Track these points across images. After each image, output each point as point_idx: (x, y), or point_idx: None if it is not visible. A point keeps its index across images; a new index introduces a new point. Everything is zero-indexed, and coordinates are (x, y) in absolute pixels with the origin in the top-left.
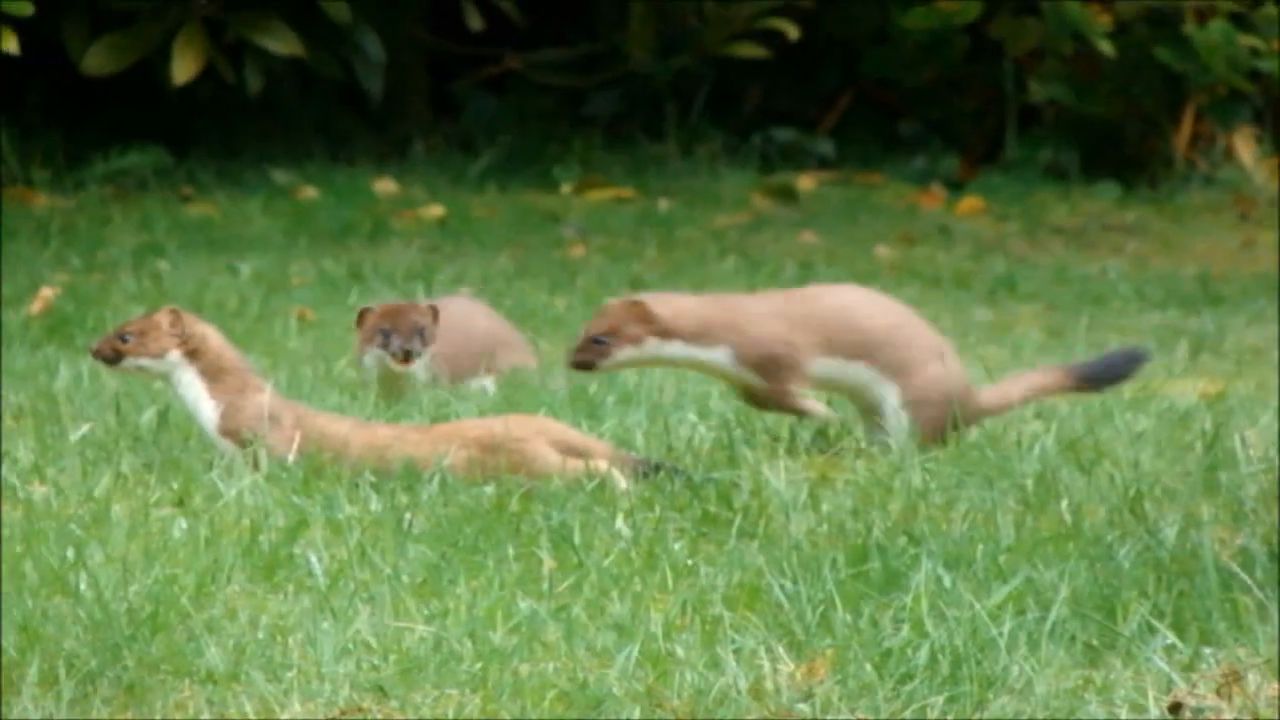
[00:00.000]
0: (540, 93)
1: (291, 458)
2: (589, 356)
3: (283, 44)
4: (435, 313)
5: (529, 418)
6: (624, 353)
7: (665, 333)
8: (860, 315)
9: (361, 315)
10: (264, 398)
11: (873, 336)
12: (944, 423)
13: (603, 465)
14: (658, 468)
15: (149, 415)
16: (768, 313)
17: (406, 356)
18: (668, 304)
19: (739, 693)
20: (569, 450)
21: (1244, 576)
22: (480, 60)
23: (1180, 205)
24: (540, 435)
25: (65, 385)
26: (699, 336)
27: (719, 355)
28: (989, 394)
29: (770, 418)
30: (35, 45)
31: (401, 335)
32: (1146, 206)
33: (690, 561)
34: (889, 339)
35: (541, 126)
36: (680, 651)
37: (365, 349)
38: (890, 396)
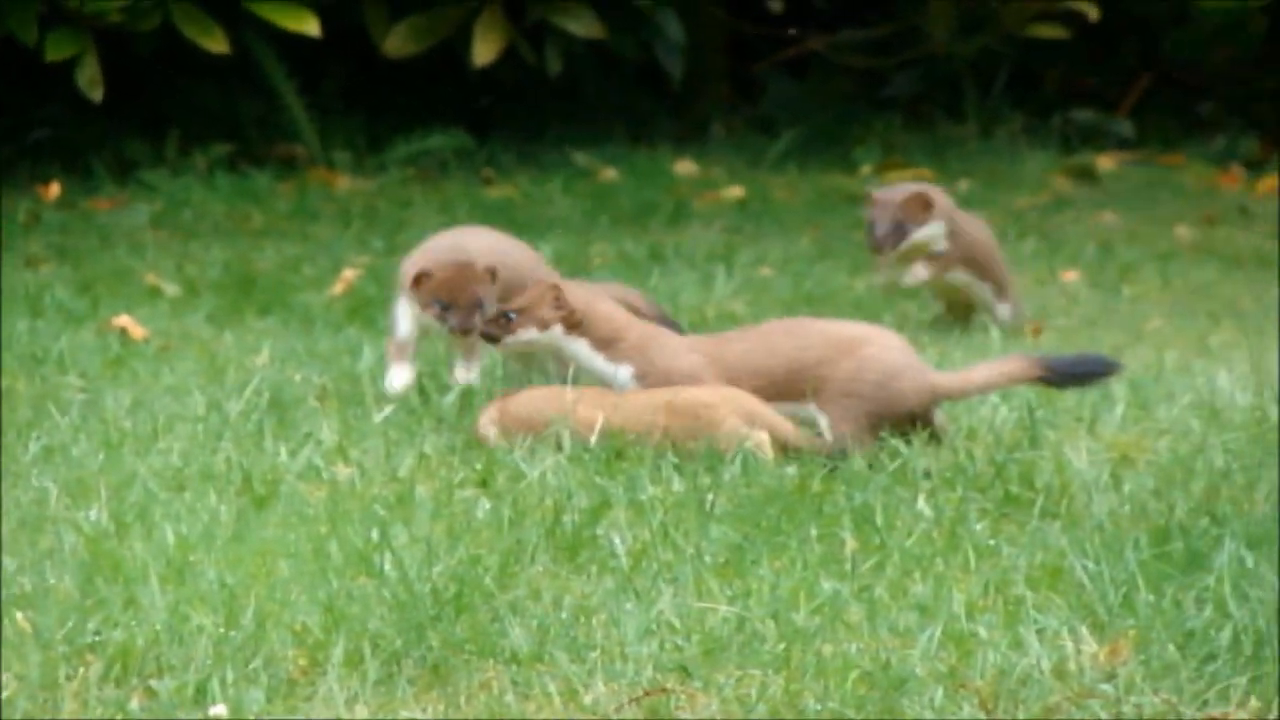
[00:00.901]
0: (840, 74)
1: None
2: (495, 330)
3: (584, 26)
4: (494, 275)
5: (717, 387)
6: (528, 333)
7: (573, 326)
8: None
9: (418, 279)
10: (669, 341)
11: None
12: (869, 419)
13: (764, 437)
14: (844, 454)
15: (451, 397)
16: (685, 346)
17: (465, 331)
18: (589, 299)
19: (1041, 673)
20: (751, 422)
21: None
22: (780, 42)
23: None
24: (727, 404)
25: (368, 367)
26: (605, 345)
27: (620, 372)
28: (947, 378)
29: (1071, 398)
30: (337, 28)
31: (460, 312)
32: None
33: (992, 542)
34: (807, 373)
35: (841, 108)
36: (983, 632)
37: (423, 313)
38: (820, 419)
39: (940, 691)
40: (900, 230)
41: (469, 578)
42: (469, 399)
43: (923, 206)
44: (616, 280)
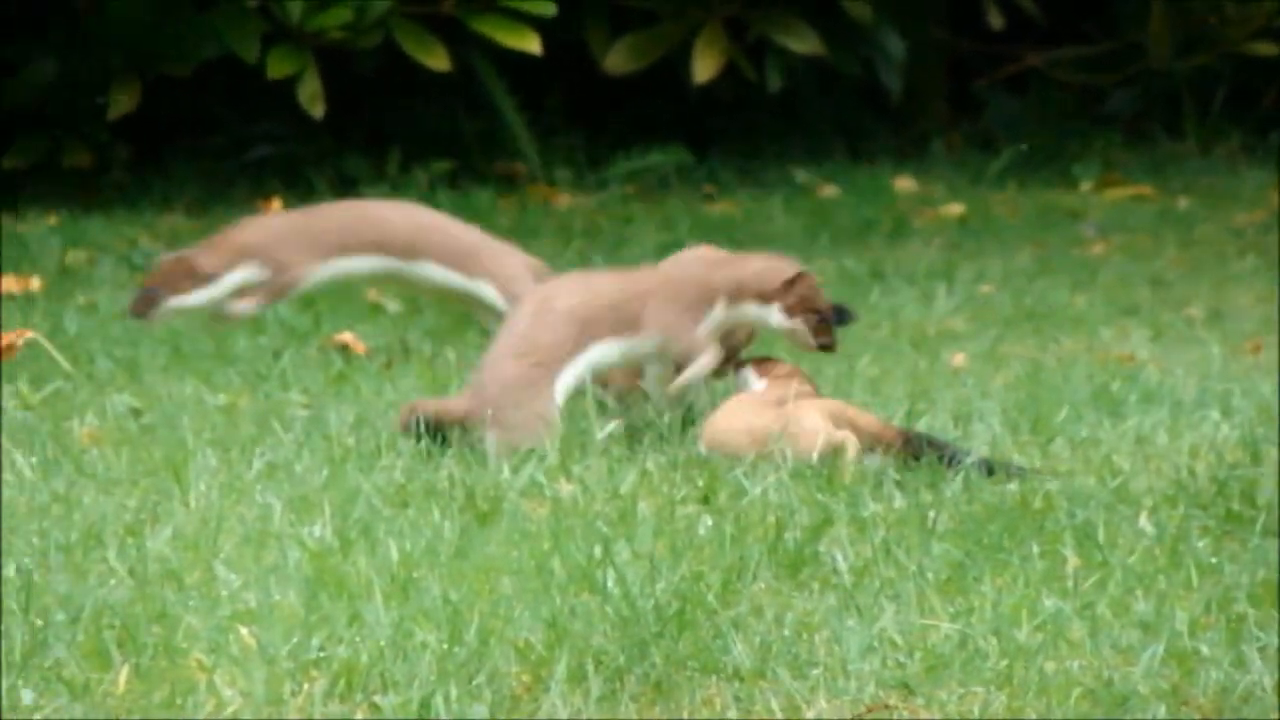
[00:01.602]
0: (1060, 90)
1: None
2: (141, 306)
3: (803, 43)
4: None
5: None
6: (175, 301)
7: (205, 280)
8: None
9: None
10: None
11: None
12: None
13: (845, 437)
14: (930, 443)
15: (670, 416)
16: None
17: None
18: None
19: (1264, 690)
20: (837, 420)
21: None
22: (1000, 59)
23: None
24: (812, 400)
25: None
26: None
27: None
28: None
29: None
30: (557, 45)
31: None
32: None
33: (1214, 559)
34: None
35: (1061, 124)
36: (1205, 649)
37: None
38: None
39: (1163, 709)
40: None
41: (691, 594)
42: (689, 417)
43: None
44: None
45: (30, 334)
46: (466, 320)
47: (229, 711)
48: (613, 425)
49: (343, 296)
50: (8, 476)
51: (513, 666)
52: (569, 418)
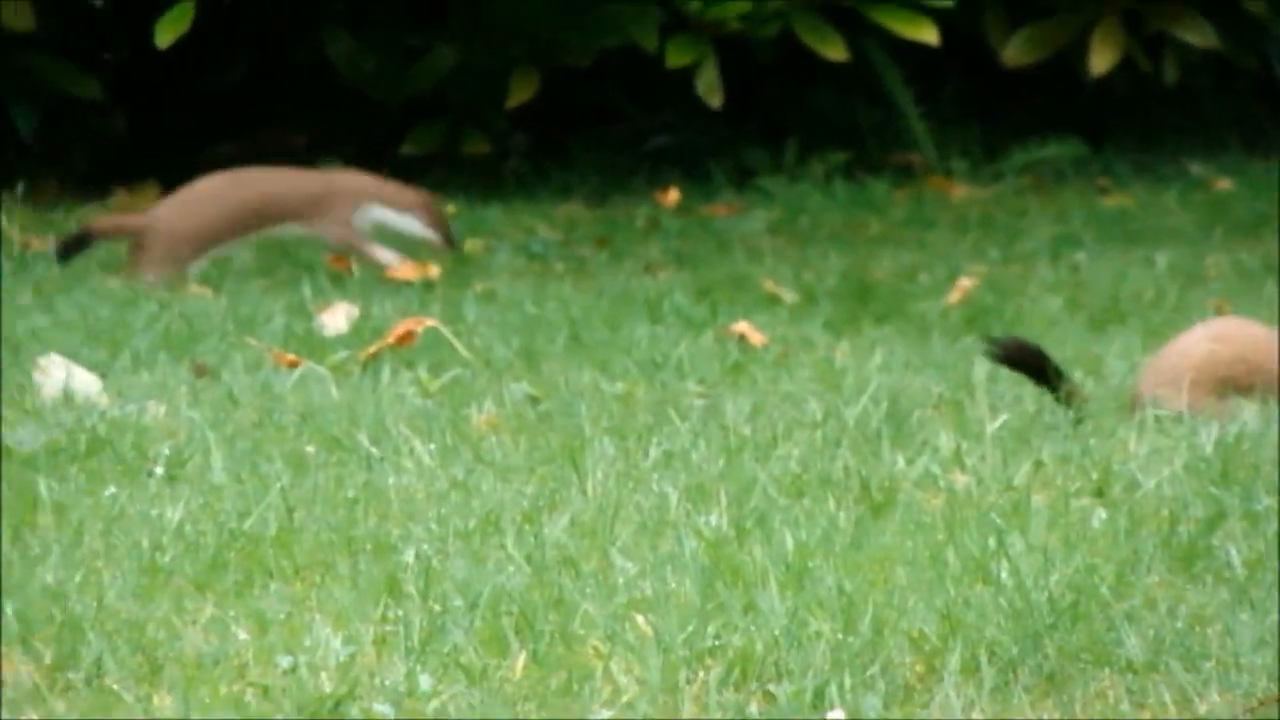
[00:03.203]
0: None
1: None
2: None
3: (1200, 36)
4: None
5: None
6: None
7: None
8: None
9: None
10: None
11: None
12: None
13: None
14: None
15: (1058, 410)
16: None
17: None
18: None
19: None
20: None
21: None
22: None
23: None
24: None
25: (984, 375)
26: None
27: None
28: None
29: None
30: (954, 36)
31: None
32: None
33: None
34: None
35: None
36: None
37: None
38: None
39: None
40: None
41: (1085, 587)
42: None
43: None
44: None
45: (429, 322)
46: (862, 312)
47: (625, 699)
48: (1004, 417)
49: (740, 286)
50: (407, 463)
51: (906, 657)
52: (959, 409)
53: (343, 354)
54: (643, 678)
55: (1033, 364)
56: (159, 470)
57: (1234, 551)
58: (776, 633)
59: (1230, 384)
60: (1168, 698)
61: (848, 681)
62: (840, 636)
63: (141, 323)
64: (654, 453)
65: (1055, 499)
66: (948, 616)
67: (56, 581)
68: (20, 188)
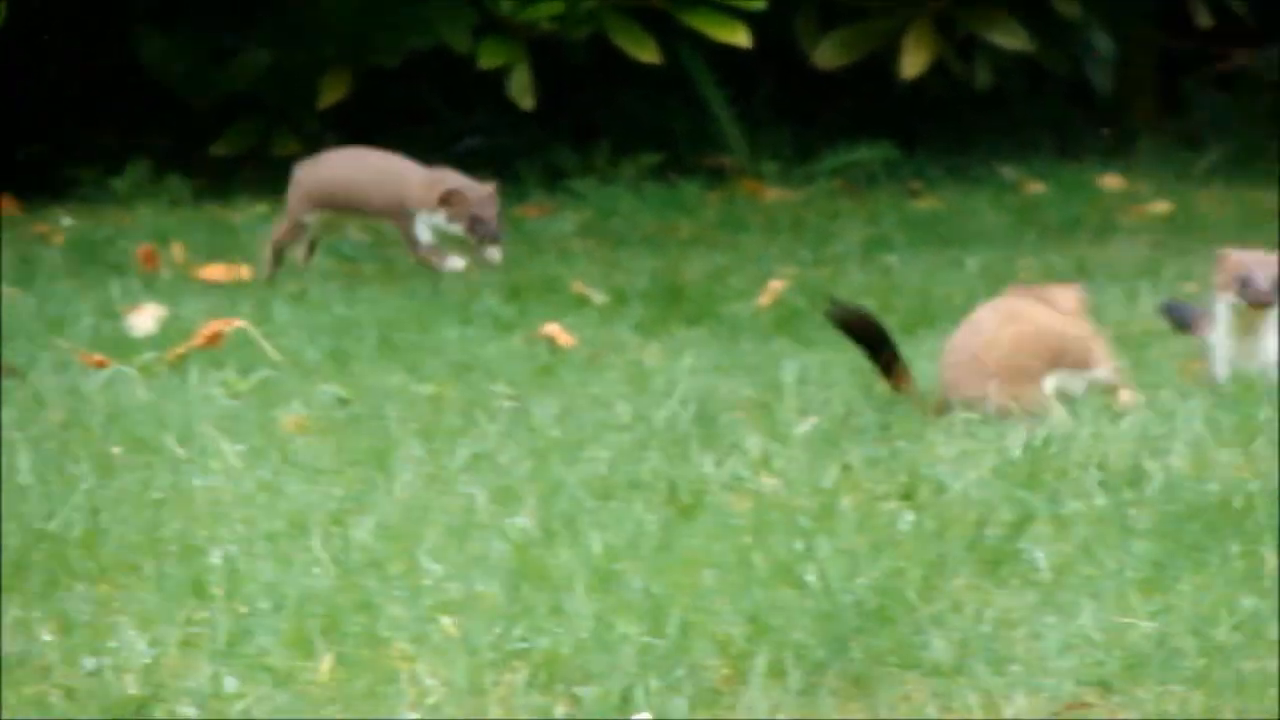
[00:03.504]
0: (1269, 89)
1: None
2: None
3: (1012, 39)
4: None
5: None
6: None
7: None
8: None
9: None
10: None
11: None
12: None
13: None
14: None
15: (867, 412)
16: None
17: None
18: None
19: None
20: None
21: None
22: (1209, 57)
23: None
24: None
25: (793, 378)
26: None
27: None
28: None
29: None
30: (767, 39)
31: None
32: None
33: None
34: None
35: (1268, 123)
36: None
37: None
38: None
39: None
40: None
41: (892, 589)
42: (892, 409)
43: None
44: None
45: (239, 322)
46: (673, 314)
47: (431, 700)
48: (813, 420)
49: (550, 288)
50: (214, 465)
51: (713, 660)
52: (768, 412)
53: (151, 355)
54: (449, 680)
55: (868, 337)
56: None
57: (1041, 555)
58: (583, 635)
59: (1040, 365)
60: (974, 701)
61: (654, 684)
62: (647, 639)
63: None
64: (462, 454)
65: (863, 502)
66: (755, 619)
67: None
68: None
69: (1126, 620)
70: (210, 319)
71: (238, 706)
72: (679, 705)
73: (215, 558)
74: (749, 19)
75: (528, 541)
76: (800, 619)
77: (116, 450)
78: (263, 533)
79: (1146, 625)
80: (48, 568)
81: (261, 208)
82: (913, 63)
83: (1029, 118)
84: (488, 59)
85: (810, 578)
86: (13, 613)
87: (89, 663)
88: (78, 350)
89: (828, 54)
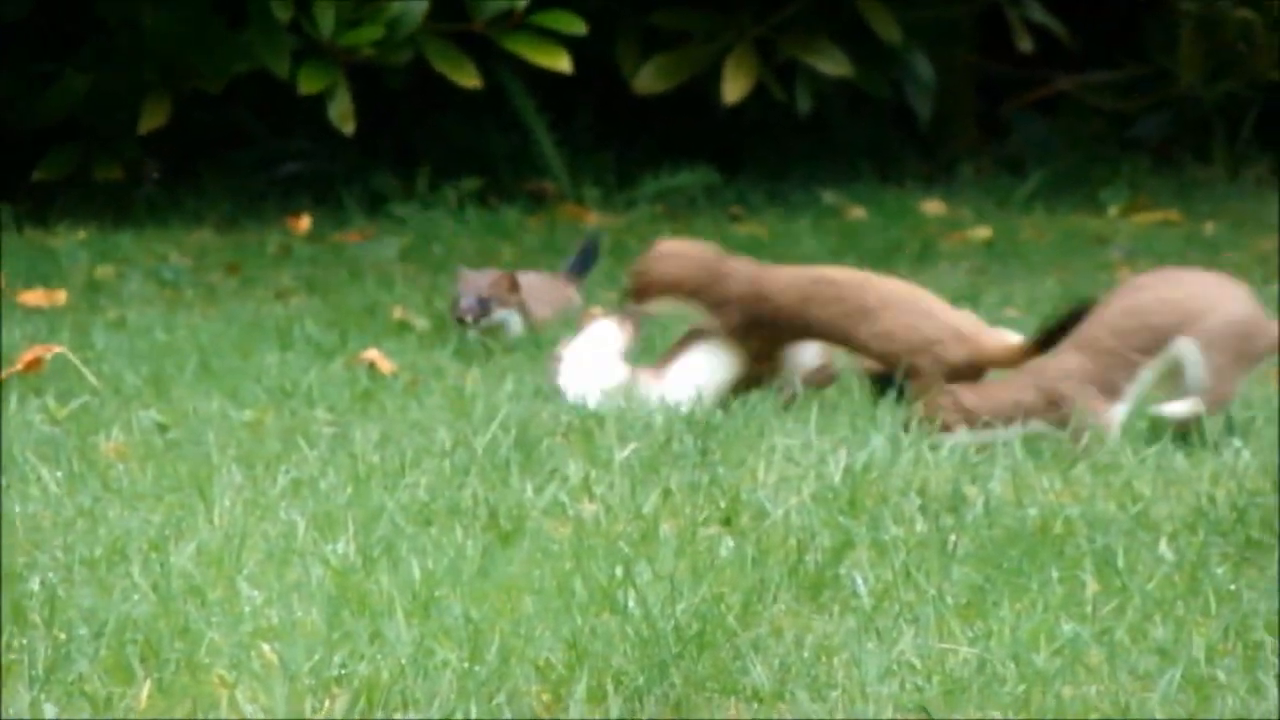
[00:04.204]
0: (1089, 115)
1: None
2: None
3: (833, 65)
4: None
5: None
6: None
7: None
8: None
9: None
10: None
11: None
12: None
13: None
14: None
15: (688, 438)
16: None
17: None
18: None
19: None
20: None
21: None
22: (1030, 82)
23: None
24: None
25: (614, 405)
26: None
27: None
28: None
29: None
30: (588, 65)
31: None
32: None
33: (1233, 586)
34: None
35: (1089, 148)
36: (1222, 676)
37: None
38: None
39: None
40: (485, 306)
41: (712, 615)
42: (713, 433)
43: (509, 288)
44: None
45: (58, 348)
46: (492, 342)
47: None
48: (634, 445)
49: (371, 314)
50: (33, 491)
51: (533, 685)
52: (588, 438)
53: None
54: (268, 706)
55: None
56: None
57: (861, 580)
58: (403, 661)
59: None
60: None
61: (474, 710)
62: (467, 665)
63: None
64: (282, 481)
65: (683, 528)
66: (574, 645)
67: None
68: None
69: (946, 646)
70: (30, 345)
71: None
72: None
73: (34, 584)
74: (570, 44)
75: (348, 568)
76: (620, 645)
77: None
78: (82, 559)
79: (966, 651)
80: None
81: (81, 234)
82: (734, 88)
83: (850, 143)
84: (308, 84)
85: (630, 604)
86: None
87: None
88: None
89: (648, 80)
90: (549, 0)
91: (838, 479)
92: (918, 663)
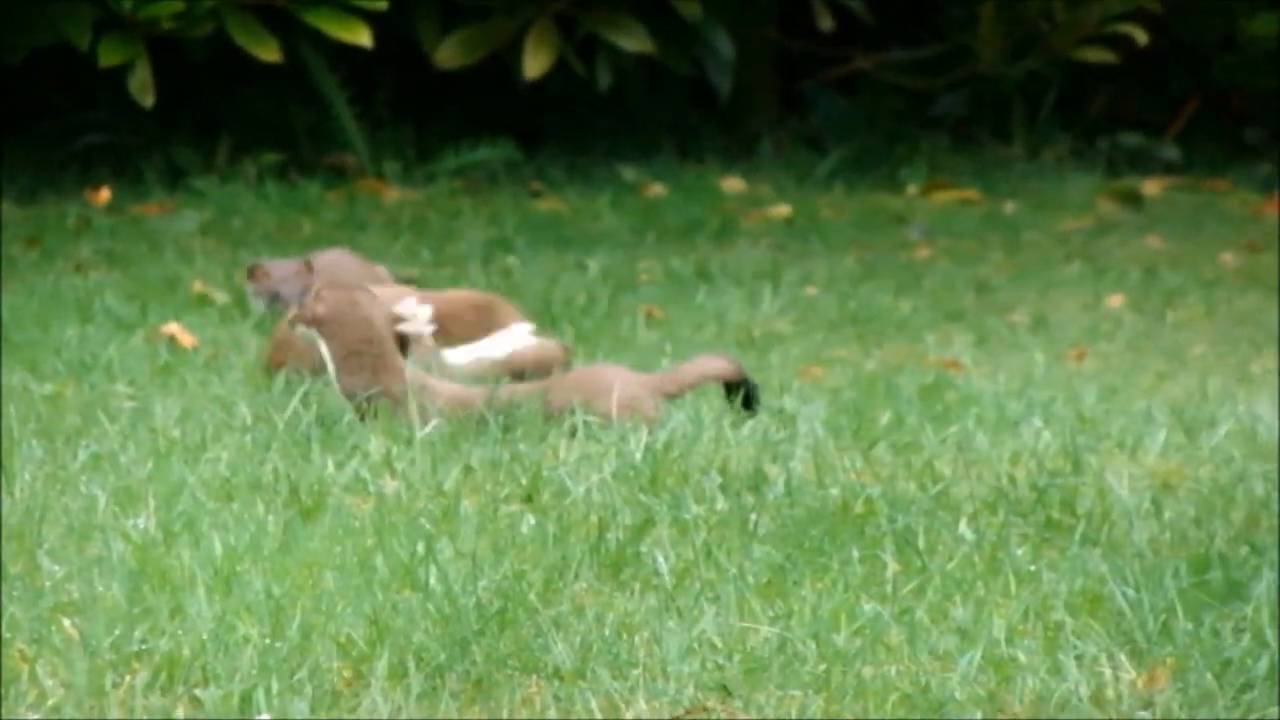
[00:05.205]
0: (889, 93)
1: None
2: None
3: (633, 40)
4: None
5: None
6: None
7: None
8: None
9: None
10: None
11: None
12: None
13: None
14: None
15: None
16: None
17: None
18: None
19: (1080, 699)
20: None
21: None
22: (829, 60)
23: None
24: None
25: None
26: None
27: None
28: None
29: (1114, 424)
30: (388, 39)
31: None
32: None
33: (1033, 567)
34: None
35: (889, 127)
36: (1022, 657)
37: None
38: None
39: (979, 715)
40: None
41: (513, 593)
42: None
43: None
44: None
45: None
46: None
47: (51, 702)
48: (435, 422)
49: (171, 287)
50: None
51: (334, 662)
52: (389, 414)
53: None
54: (69, 681)
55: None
56: None
57: (662, 559)
58: (204, 637)
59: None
60: (595, 705)
61: (275, 686)
62: (268, 641)
63: None
64: (82, 455)
65: (485, 505)
66: (376, 622)
67: None
68: None
69: (747, 625)
70: None
71: None
72: (300, 707)
73: None
74: (370, 19)
75: (148, 543)
76: (421, 621)
77: None
78: None
79: (767, 630)
80: None
81: None
82: (534, 63)
83: (650, 119)
84: (107, 56)
85: (432, 580)
86: None
87: None
88: None
89: (449, 54)
90: None
91: (639, 457)
92: (719, 641)
